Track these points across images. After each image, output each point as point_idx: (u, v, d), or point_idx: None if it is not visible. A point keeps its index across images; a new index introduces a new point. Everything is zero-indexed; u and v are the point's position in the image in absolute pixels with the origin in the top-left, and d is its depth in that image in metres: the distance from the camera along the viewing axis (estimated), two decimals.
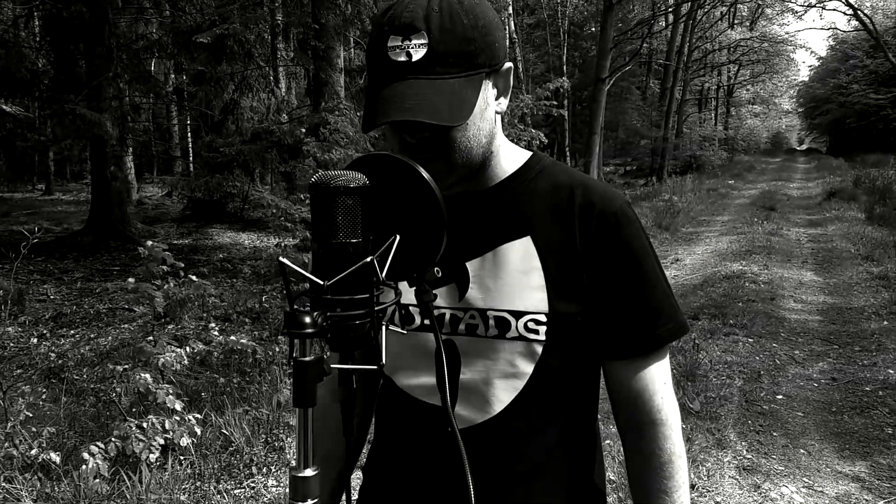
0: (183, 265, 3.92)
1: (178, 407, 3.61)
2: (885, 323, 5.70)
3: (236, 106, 10.12)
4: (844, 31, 36.79)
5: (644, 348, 0.96)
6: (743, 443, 3.59)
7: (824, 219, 12.51)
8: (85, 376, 4.93)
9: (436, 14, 0.83)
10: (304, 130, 6.46)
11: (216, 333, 3.87)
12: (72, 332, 6.14)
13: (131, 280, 3.81)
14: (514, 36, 17.72)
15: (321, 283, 0.68)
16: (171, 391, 3.70)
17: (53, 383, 4.72)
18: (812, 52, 52.86)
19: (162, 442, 3.41)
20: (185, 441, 3.50)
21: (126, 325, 6.43)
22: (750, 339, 5.37)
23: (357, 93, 13.10)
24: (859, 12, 27.19)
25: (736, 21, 35.75)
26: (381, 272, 0.72)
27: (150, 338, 4.58)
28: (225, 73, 9.54)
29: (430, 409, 0.97)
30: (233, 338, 3.79)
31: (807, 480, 3.22)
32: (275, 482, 3.33)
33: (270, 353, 5.07)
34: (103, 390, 4.52)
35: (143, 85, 10.16)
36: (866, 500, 3.04)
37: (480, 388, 0.94)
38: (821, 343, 5.34)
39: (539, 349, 0.92)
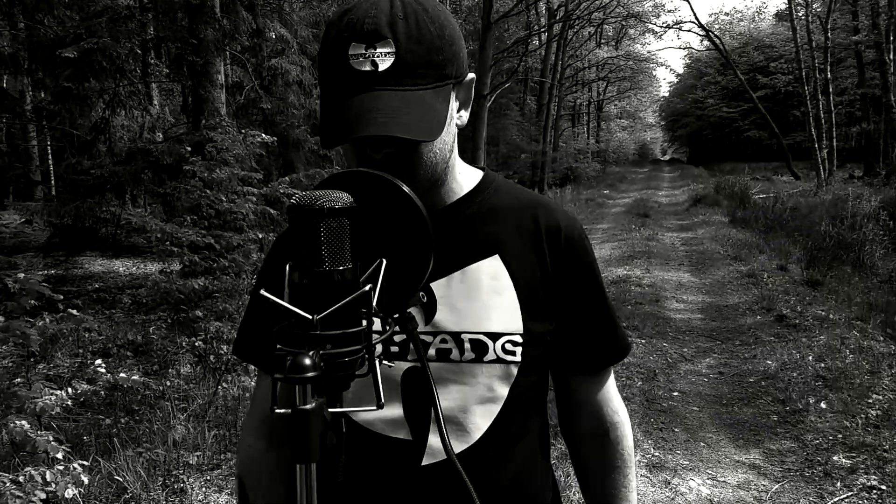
0: (62, 297, 3.57)
1: (59, 455, 3.27)
2: (759, 318, 6.16)
3: (108, 125, 9.45)
4: (698, 50, 40.02)
5: (609, 361, 1.01)
6: (649, 441, 3.74)
7: (693, 223, 13.43)
8: None
9: (401, 21, 0.77)
10: (188, 149, 6.10)
11: (103, 370, 3.54)
12: None
13: (0, 318, 3.42)
14: None
15: (309, 317, 0.60)
16: (51, 438, 3.35)
17: None
18: (671, 69, 57.21)
19: (43, 496, 3.07)
20: (70, 492, 3.16)
21: None
22: (643, 340, 5.63)
23: (238, 110, 12.66)
24: (710, 33, 29.70)
25: (602, 41, 37.94)
26: (373, 300, 0.66)
27: (18, 380, 4.14)
28: (93, 91, 8.90)
29: (395, 445, 0.90)
30: (123, 374, 3.47)
31: (710, 472, 3.40)
32: None
33: (160, 389, 4.74)
34: None
35: None
36: (763, 486, 3.24)
37: (457, 416, 0.89)
38: (705, 340, 5.69)
39: (515, 371, 0.90)
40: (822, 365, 4.59)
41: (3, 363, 5.84)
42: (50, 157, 17.09)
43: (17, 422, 3.25)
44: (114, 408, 4.43)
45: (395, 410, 0.88)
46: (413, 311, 0.88)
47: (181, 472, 3.51)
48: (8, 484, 3.06)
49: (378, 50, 0.76)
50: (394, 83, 0.76)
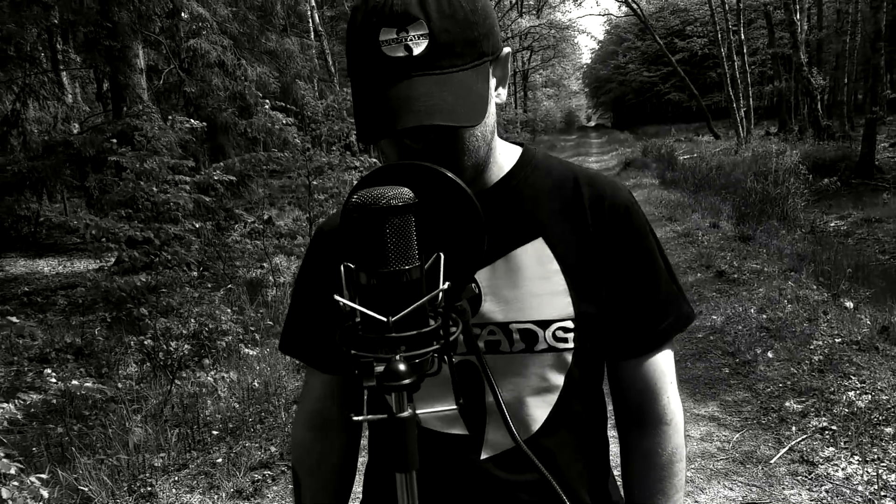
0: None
1: (12, 471, 3.10)
2: (699, 275, 6.41)
3: (19, 117, 8.88)
4: (617, 17, 40.77)
5: (651, 345, 0.92)
6: (608, 400, 3.84)
7: (626, 187, 13.77)
8: None
9: None
10: (114, 140, 5.79)
11: (54, 380, 3.37)
12: None
13: None
14: (320, 28, 17.40)
15: (384, 319, 0.59)
16: (1, 454, 3.18)
17: None
18: (592, 36, 58.14)
19: None
20: None
21: None
22: None
23: (159, 95, 12.11)
24: None
25: (524, 10, 38.11)
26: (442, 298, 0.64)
27: None
28: (1, 81, 8.34)
29: (452, 440, 0.88)
30: (75, 382, 3.31)
31: None
32: None
33: (109, 392, 4.54)
34: None
35: None
36: (725, 436, 3.40)
37: (513, 408, 0.86)
38: None
39: (569, 358, 0.87)
40: (765, 316, 4.82)
41: None
42: None
43: None
44: (62, 415, 4.23)
45: (447, 405, 0.86)
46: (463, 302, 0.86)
47: (147, 475, 3.39)
48: None
49: (411, 33, 0.71)
50: (430, 67, 0.72)
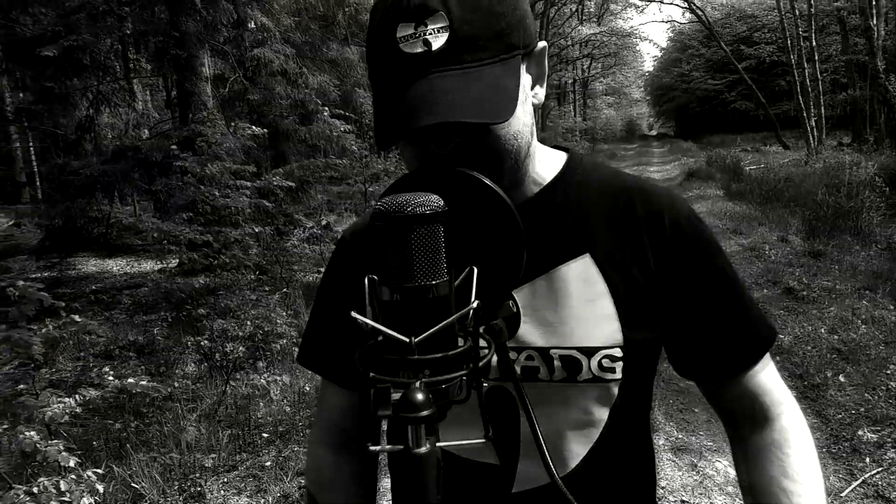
0: (63, 304, 3.47)
1: (71, 464, 3.19)
2: (766, 291, 6.13)
3: (93, 123, 9.26)
4: (681, 23, 39.92)
5: (756, 355, 0.84)
6: (671, 423, 3.70)
7: (689, 198, 13.38)
8: None
9: None
10: (175, 145, 5.97)
11: (111, 378, 3.45)
12: None
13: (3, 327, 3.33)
14: None
15: (407, 340, 0.53)
16: (62, 447, 3.27)
17: None
18: (655, 43, 57.05)
19: None
20: (85, 501, 3.09)
21: None
22: None
23: (223, 102, 12.47)
24: (692, 5, 29.57)
25: (585, 17, 37.75)
26: (472, 318, 0.58)
27: (22, 386, 4.03)
28: (76, 89, 8.71)
29: (482, 470, 0.81)
30: (131, 380, 3.39)
31: None
32: None
33: (168, 390, 4.65)
34: None
35: None
36: None
37: (551, 441, 0.78)
38: None
39: (615, 390, 0.79)
40: (836, 337, 4.56)
41: (4, 370, 5.73)
42: (34, 158, 16.83)
43: (27, 432, 3.17)
44: (122, 411, 4.35)
45: (475, 437, 0.79)
46: (499, 321, 0.78)
47: (197, 475, 3.44)
48: (23, 496, 2.98)
49: (429, 26, 0.65)
50: (451, 62, 0.66)
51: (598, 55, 40.45)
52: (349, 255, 0.91)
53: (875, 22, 18.77)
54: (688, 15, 35.21)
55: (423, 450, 0.51)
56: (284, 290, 6.42)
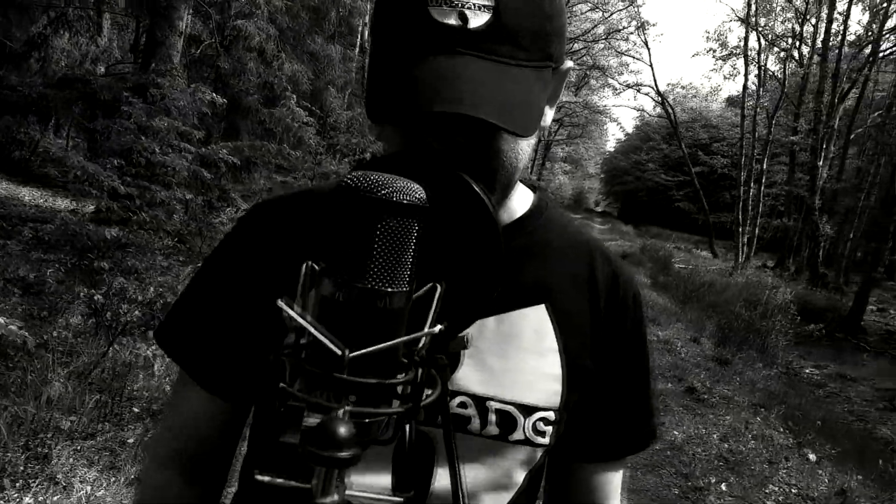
0: None
1: None
2: (670, 385, 6.25)
3: (46, 43, 8.75)
4: (650, 115, 41.59)
5: (633, 448, 0.81)
6: None
7: None
8: None
9: None
10: (128, 90, 5.67)
11: None
12: None
13: None
14: (367, 46, 17.57)
15: (340, 352, 0.41)
16: None
17: None
18: (621, 126, 59.03)
19: None
20: None
21: None
22: None
23: (191, 62, 12.07)
24: (665, 101, 30.91)
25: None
26: (425, 344, 0.47)
27: None
28: (38, 3, 8.24)
29: None
30: (1, 319, 3.09)
31: None
32: (31, 501, 2.73)
33: (43, 337, 4.30)
34: None
35: None
36: None
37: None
38: None
39: (538, 454, 0.71)
40: (726, 446, 4.66)
41: None
42: None
43: None
44: None
45: (382, 478, 0.67)
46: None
47: (49, 435, 3.14)
48: None
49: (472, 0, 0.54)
50: (486, 49, 0.55)
51: (566, 123, 41.57)
52: (267, 227, 0.74)
53: (821, 163, 20.02)
54: (658, 109, 36.76)
55: (328, 501, 0.39)
56: (199, 264, 6.13)
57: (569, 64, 0.66)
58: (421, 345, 0.47)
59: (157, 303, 4.67)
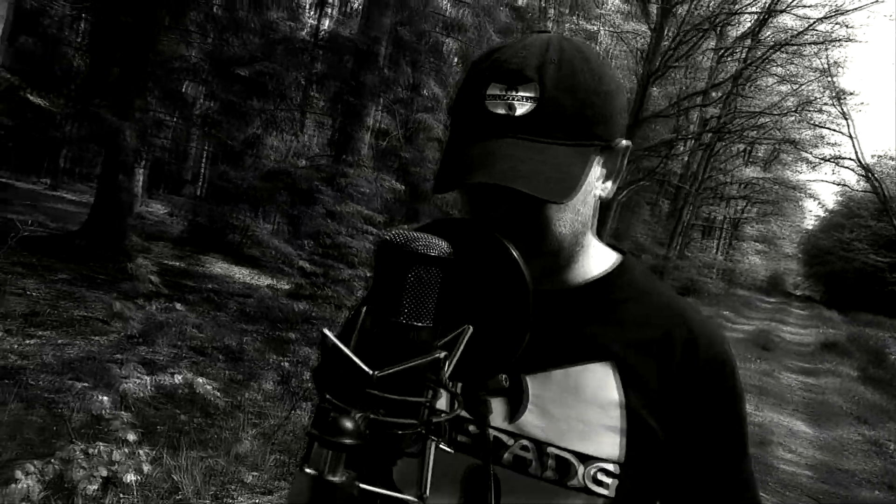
0: (167, 291, 3.73)
1: (130, 438, 3.34)
2: (878, 493, 5.45)
3: (259, 141, 10.12)
4: (854, 190, 37.80)
5: None
6: None
7: (817, 369, 12.35)
8: (41, 384, 4.63)
9: (553, 66, 0.68)
10: (319, 180, 6.37)
11: (185, 373, 3.63)
12: (41, 332, 5.85)
13: (114, 295, 3.62)
14: None
15: (369, 372, 0.52)
16: (126, 419, 3.44)
17: (6, 384, 4.42)
18: (821, 203, 54.18)
19: (105, 474, 3.12)
20: (129, 478, 3.20)
21: (97, 338, 6.14)
22: None
23: (378, 154, 13.21)
24: (871, 174, 28.00)
25: (751, 160, 36.72)
26: (445, 372, 0.56)
27: (119, 356, 4.30)
28: (254, 109, 9.59)
29: None
30: (200, 379, 3.54)
31: None
32: None
33: (238, 399, 4.79)
34: (55, 403, 4.23)
35: (172, 104, 10.21)
36: None
37: None
38: (809, 502, 5.08)
39: None
40: None
41: (111, 337, 6.18)
42: (203, 160, 18.58)
43: (101, 397, 3.38)
44: (193, 406, 4.52)
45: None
46: (496, 401, 0.75)
47: (234, 487, 3.47)
48: (78, 453, 3.14)
49: (519, 93, 0.68)
50: (528, 132, 0.67)
51: (756, 199, 39.01)
52: None
53: None
54: (863, 183, 33.37)
55: (335, 478, 0.49)
56: None
57: (624, 143, 0.76)
58: (443, 372, 0.55)
59: None
